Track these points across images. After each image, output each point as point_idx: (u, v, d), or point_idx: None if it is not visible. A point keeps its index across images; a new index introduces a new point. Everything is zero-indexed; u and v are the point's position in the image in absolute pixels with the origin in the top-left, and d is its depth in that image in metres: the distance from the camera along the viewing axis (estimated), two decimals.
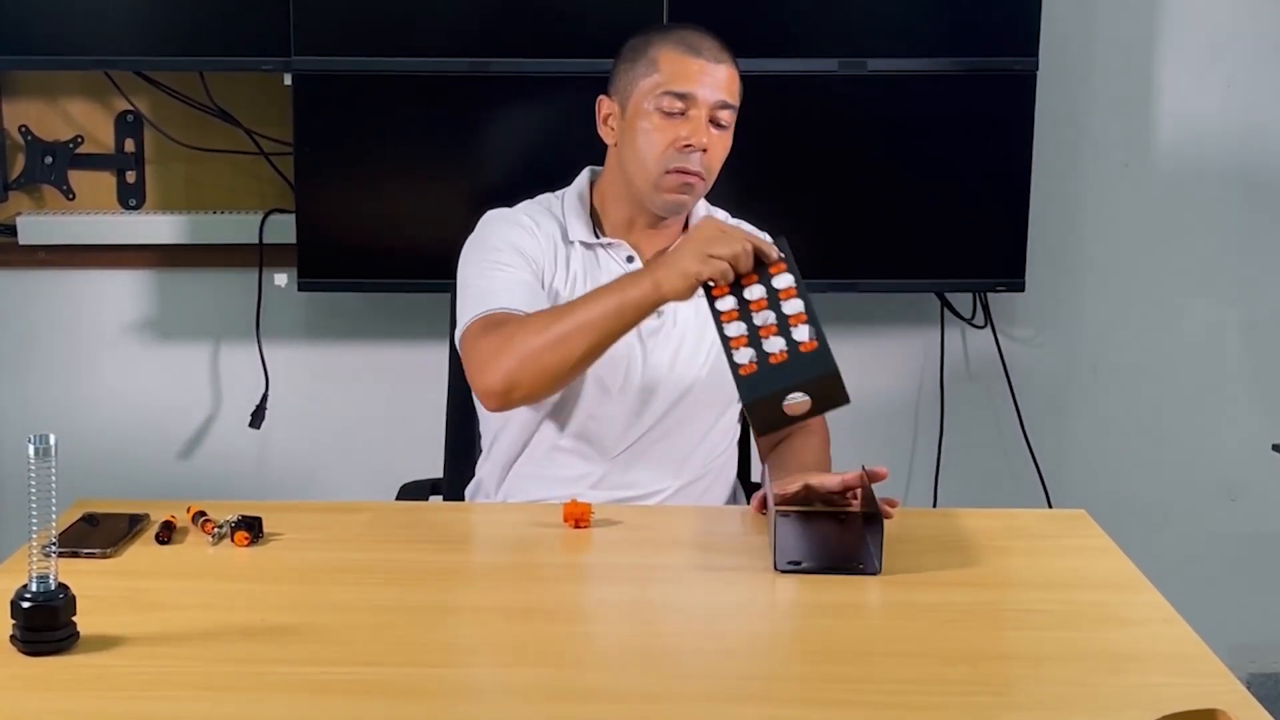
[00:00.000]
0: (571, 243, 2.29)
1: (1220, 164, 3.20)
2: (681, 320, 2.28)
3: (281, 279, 3.09)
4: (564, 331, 2.05)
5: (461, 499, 2.42)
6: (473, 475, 2.41)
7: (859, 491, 2.02)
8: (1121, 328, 3.27)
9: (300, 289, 3.01)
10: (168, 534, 1.96)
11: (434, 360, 2.63)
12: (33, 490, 1.56)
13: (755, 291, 1.95)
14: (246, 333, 3.16)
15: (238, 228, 3.10)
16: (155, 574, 1.86)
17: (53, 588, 1.59)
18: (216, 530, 1.95)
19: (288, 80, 2.93)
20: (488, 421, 2.37)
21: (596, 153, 2.34)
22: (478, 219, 2.35)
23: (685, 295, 2.00)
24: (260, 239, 3.08)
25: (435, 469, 2.54)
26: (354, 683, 1.55)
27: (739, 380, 1.85)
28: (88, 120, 3.12)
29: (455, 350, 2.30)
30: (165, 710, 1.49)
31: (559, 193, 2.37)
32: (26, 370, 3.20)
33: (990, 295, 3.19)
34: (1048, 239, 3.16)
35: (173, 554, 1.93)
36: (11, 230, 3.10)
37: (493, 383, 2.10)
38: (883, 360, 3.26)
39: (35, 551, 1.59)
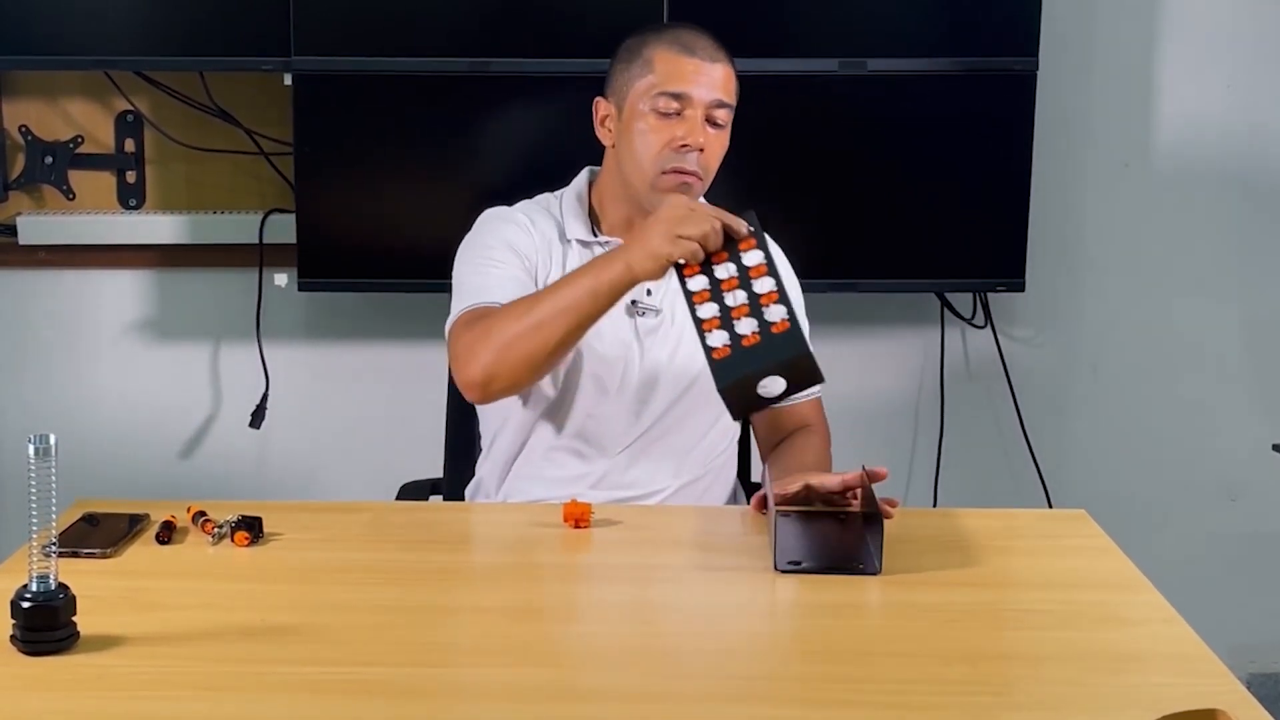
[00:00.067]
0: (569, 241, 2.29)
1: (1220, 164, 3.20)
2: (679, 318, 2.28)
3: (281, 279, 3.09)
4: (539, 318, 2.05)
5: (461, 499, 2.42)
6: (473, 475, 2.41)
7: (859, 491, 2.02)
8: (1121, 328, 3.27)
9: (300, 289, 3.01)
10: (168, 534, 1.96)
11: (434, 360, 2.63)
12: (33, 490, 1.56)
13: (726, 270, 1.94)
14: (246, 333, 3.16)
15: (238, 228, 3.10)
16: (155, 574, 1.86)
17: (53, 588, 1.59)
18: (216, 530, 1.95)
19: (288, 80, 2.93)
20: (488, 421, 2.37)
21: (596, 153, 2.34)
22: (477, 219, 2.35)
23: (657, 275, 2.00)
24: (260, 239, 3.08)
25: (435, 469, 2.54)
26: (354, 683, 1.55)
27: (712, 364, 1.85)
28: (88, 120, 3.12)
29: None
30: (165, 710, 1.49)
31: (557, 193, 2.37)
32: (26, 370, 3.20)
33: (990, 295, 3.19)
34: (1048, 239, 3.16)
35: (173, 554, 1.93)
36: (11, 230, 3.10)
37: (473, 374, 2.10)
38: (883, 360, 3.26)
39: (35, 551, 1.59)
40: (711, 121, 2.21)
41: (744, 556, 1.96)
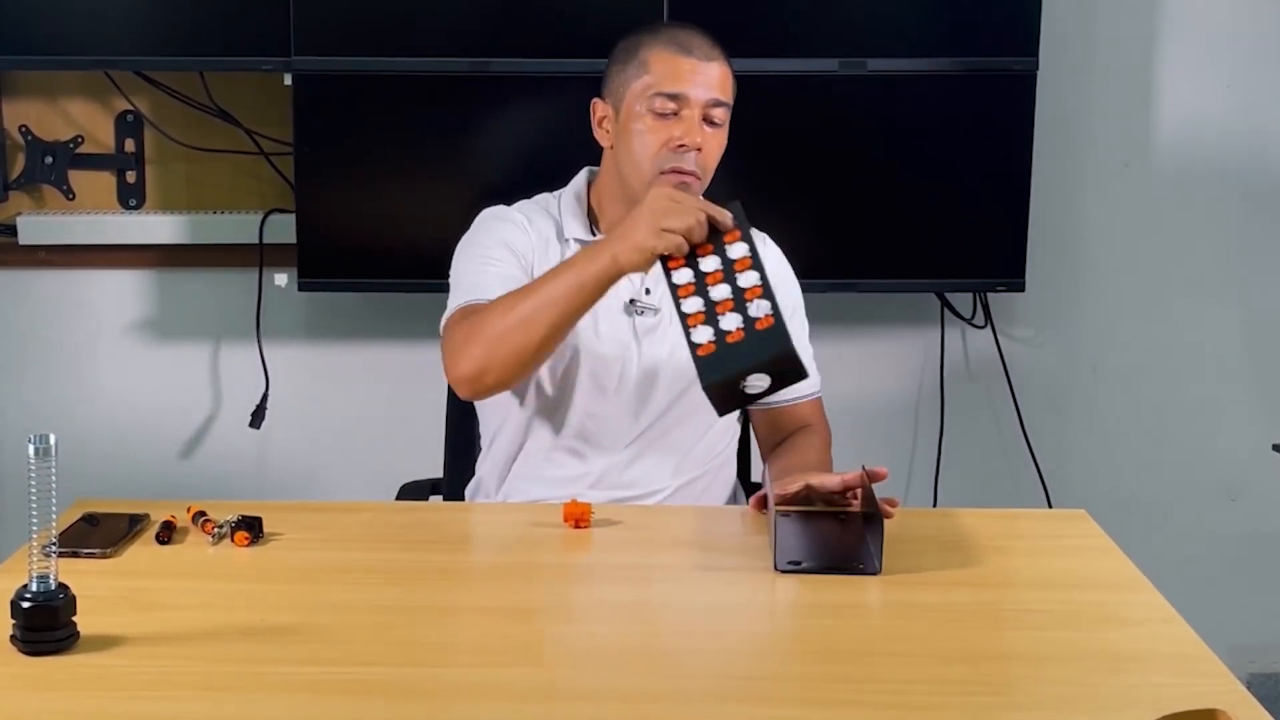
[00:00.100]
0: (566, 240, 2.30)
1: (1220, 164, 3.20)
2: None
3: (281, 279, 3.09)
4: (527, 312, 2.05)
5: (461, 499, 2.42)
6: (472, 475, 2.41)
7: (859, 491, 2.02)
8: (1121, 328, 3.27)
9: (300, 289, 3.01)
10: (168, 534, 1.96)
11: (434, 360, 2.60)
12: (33, 490, 1.56)
13: (711, 263, 1.93)
14: (246, 333, 3.16)
15: (238, 228, 3.10)
16: (155, 574, 1.86)
17: (53, 588, 1.59)
18: (216, 530, 1.95)
19: (288, 80, 2.93)
20: (487, 421, 2.37)
21: (596, 153, 2.34)
22: (476, 218, 2.35)
23: (643, 268, 1.99)
24: (260, 239, 3.08)
25: (435, 469, 2.54)
26: (354, 683, 1.55)
27: (697, 361, 1.85)
28: (88, 120, 3.12)
29: None
30: (165, 710, 1.49)
31: (556, 193, 2.37)
32: (26, 370, 3.20)
33: (990, 295, 3.19)
34: (1048, 239, 3.16)
35: (173, 554, 1.93)
36: (11, 230, 3.10)
37: (463, 370, 2.10)
38: (883, 360, 3.26)
39: (35, 551, 1.59)
40: (709, 121, 2.21)
41: (744, 556, 1.95)
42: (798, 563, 1.87)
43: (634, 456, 2.28)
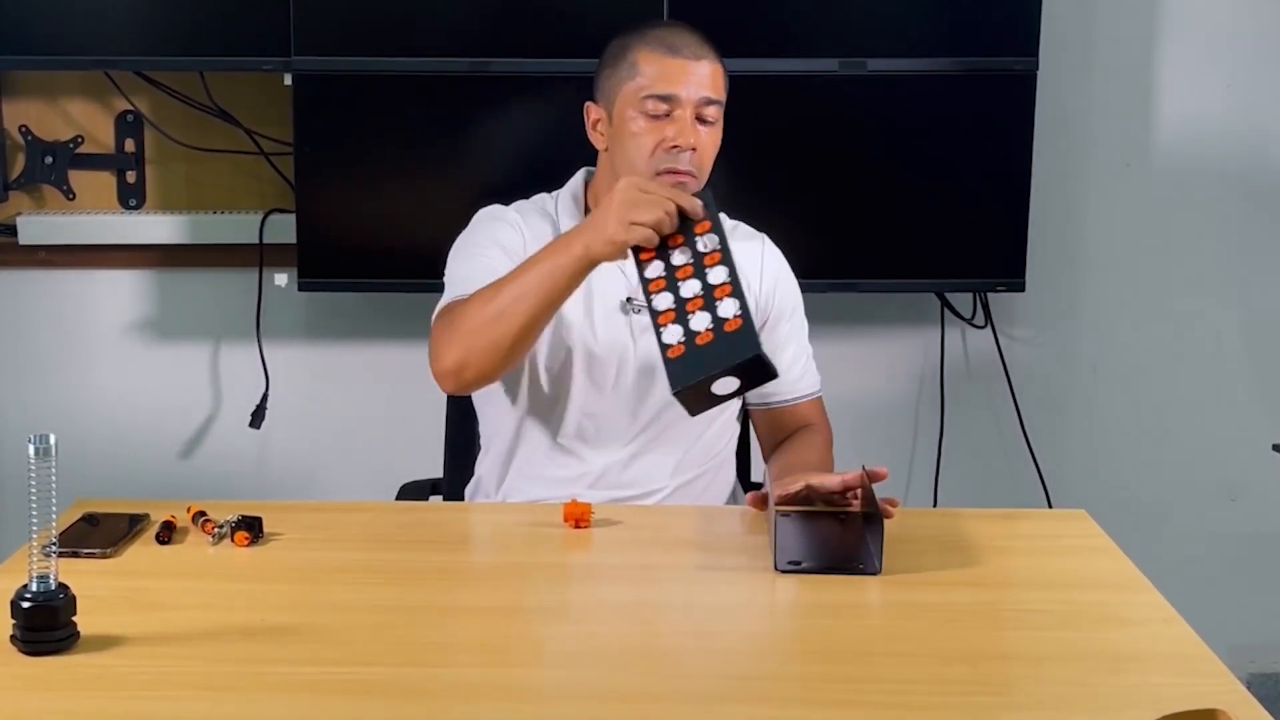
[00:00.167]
0: None
1: (1220, 164, 3.20)
2: None
3: (281, 279, 3.09)
4: (504, 304, 2.05)
5: (461, 498, 2.42)
6: (472, 474, 2.41)
7: (859, 491, 2.02)
8: (1121, 328, 3.27)
9: (300, 289, 3.01)
10: (168, 534, 1.96)
11: None
12: (33, 490, 1.56)
13: (681, 256, 1.93)
14: (246, 333, 3.16)
15: (238, 228, 3.10)
16: (155, 574, 1.86)
17: (53, 588, 1.59)
18: (216, 530, 1.95)
19: (288, 80, 2.93)
20: (486, 420, 2.37)
21: (595, 153, 2.34)
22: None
23: (615, 258, 1.99)
24: (260, 239, 3.08)
25: (435, 469, 2.54)
26: (354, 683, 1.55)
27: (667, 363, 1.85)
28: (88, 120, 3.12)
29: None
30: (165, 710, 1.49)
31: (554, 193, 2.37)
32: (26, 370, 3.20)
33: (990, 295, 3.19)
34: (1048, 239, 3.15)
35: (173, 554, 1.93)
36: (11, 230, 3.10)
37: (445, 364, 2.10)
38: (883, 360, 3.26)
39: (35, 551, 1.59)
40: (701, 119, 2.21)
41: (744, 556, 1.96)
42: (798, 563, 1.87)
43: (633, 455, 2.28)
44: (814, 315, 2.42)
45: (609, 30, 2.34)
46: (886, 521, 1.88)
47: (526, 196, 2.38)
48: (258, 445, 3.22)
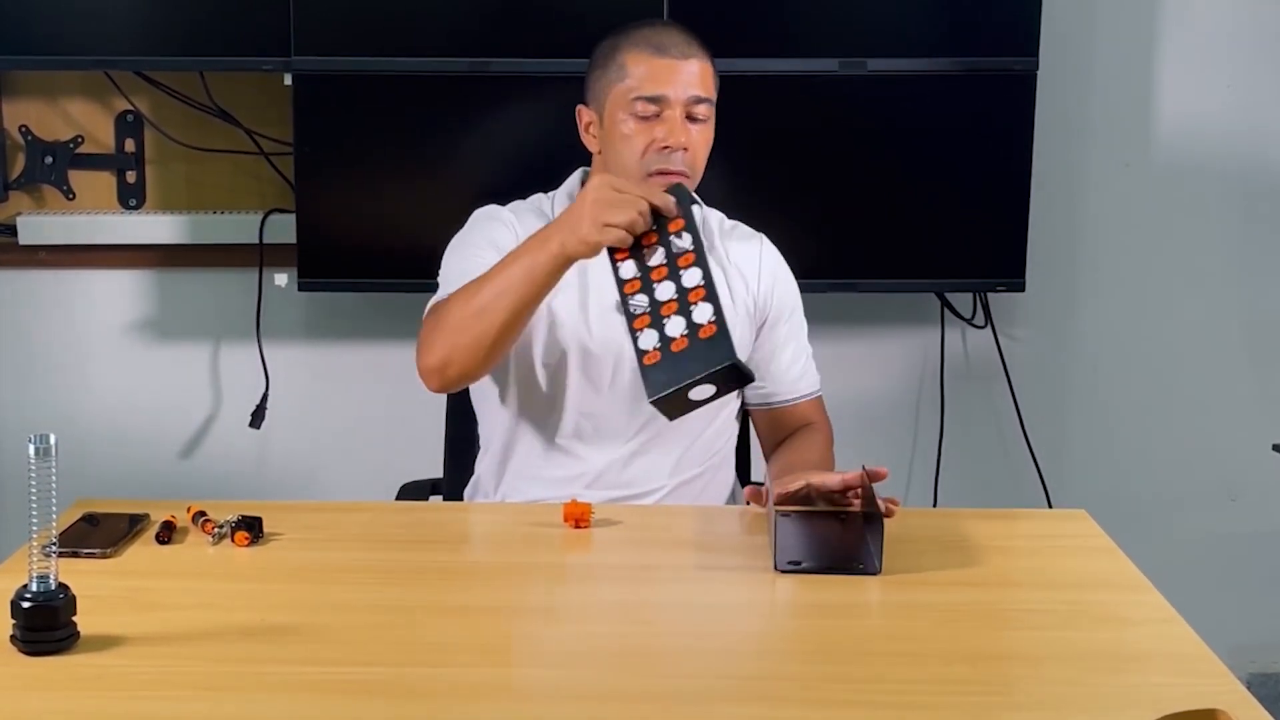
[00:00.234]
0: None
1: (1220, 164, 3.20)
2: None
3: (281, 279, 3.09)
4: (485, 301, 2.05)
5: (461, 499, 2.42)
6: (472, 474, 2.41)
7: (859, 491, 2.02)
8: (1121, 327, 3.27)
9: (300, 289, 3.01)
10: (168, 534, 1.96)
11: None
12: (33, 490, 1.56)
13: (656, 256, 1.93)
14: (246, 333, 3.16)
15: (238, 228, 3.10)
16: (155, 574, 1.86)
17: (53, 588, 1.59)
18: (216, 530, 1.95)
19: (288, 80, 2.93)
20: (485, 420, 2.37)
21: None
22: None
23: (591, 256, 1.99)
24: (260, 239, 3.08)
25: (435, 469, 2.54)
26: (354, 683, 1.55)
27: (644, 370, 1.85)
28: (88, 120, 3.12)
29: None
30: (165, 710, 1.49)
31: (550, 193, 2.37)
32: (26, 370, 3.20)
33: (990, 295, 3.19)
34: (1048, 239, 3.15)
35: (173, 554, 1.93)
36: (11, 230, 3.10)
37: (429, 362, 2.11)
38: (883, 360, 3.26)
39: (35, 551, 1.59)
40: (692, 118, 2.21)
41: (744, 556, 1.95)
42: (798, 563, 1.87)
43: (632, 454, 2.28)
44: (814, 315, 2.42)
45: (609, 30, 2.34)
46: (886, 521, 1.88)
47: (525, 196, 2.38)
48: (258, 445, 3.22)
